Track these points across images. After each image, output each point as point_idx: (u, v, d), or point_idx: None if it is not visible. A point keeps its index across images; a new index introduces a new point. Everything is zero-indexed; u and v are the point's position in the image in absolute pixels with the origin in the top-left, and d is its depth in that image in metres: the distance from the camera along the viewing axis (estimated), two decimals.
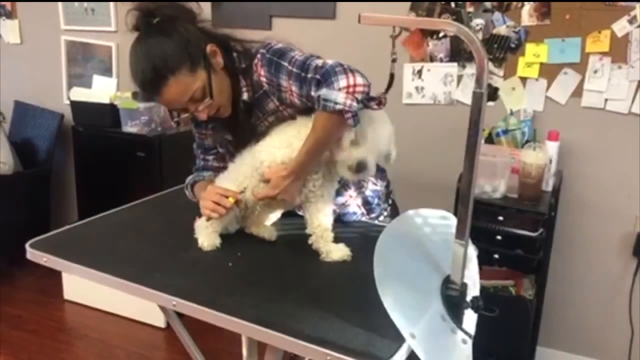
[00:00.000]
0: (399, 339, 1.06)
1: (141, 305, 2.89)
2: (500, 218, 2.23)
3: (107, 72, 3.41)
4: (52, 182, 3.64)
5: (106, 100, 2.95)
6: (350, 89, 1.28)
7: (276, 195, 1.43)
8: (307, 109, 1.46)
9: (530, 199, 2.23)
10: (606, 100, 2.37)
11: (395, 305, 1.11)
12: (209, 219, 1.46)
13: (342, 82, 1.28)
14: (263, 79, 1.46)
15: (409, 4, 2.62)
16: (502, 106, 2.55)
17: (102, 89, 3.04)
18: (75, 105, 3.05)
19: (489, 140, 2.44)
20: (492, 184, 2.28)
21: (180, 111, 1.49)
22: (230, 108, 1.52)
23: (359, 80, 1.29)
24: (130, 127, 2.90)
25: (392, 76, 1.36)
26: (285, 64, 1.41)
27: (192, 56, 1.40)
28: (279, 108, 1.51)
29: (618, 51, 2.31)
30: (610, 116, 2.38)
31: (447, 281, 1.24)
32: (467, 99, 2.62)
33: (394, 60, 1.40)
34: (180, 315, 1.54)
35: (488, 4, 2.48)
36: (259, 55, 1.46)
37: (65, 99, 3.61)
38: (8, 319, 3.01)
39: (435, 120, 2.68)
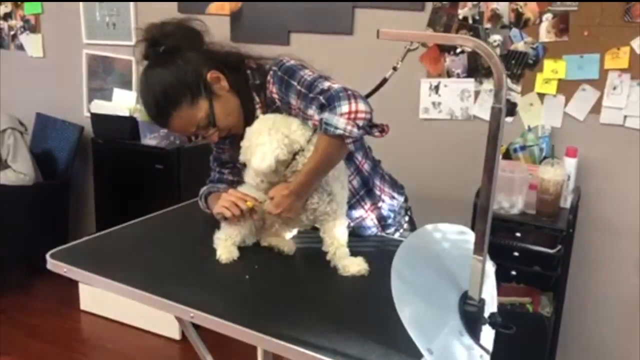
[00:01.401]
0: (417, 355, 1.06)
1: (156, 316, 2.91)
2: (518, 234, 2.22)
3: (126, 85, 3.46)
4: (71, 194, 3.68)
5: (126, 113, 2.99)
6: (352, 115, 1.29)
7: (279, 214, 1.44)
8: None
9: (548, 215, 2.21)
10: (625, 117, 2.36)
11: (412, 320, 1.11)
12: (224, 218, 1.48)
13: (345, 107, 1.29)
14: (275, 96, 1.49)
15: (426, 19, 2.63)
16: (519, 122, 2.54)
17: (122, 102, 3.09)
18: (96, 118, 3.10)
19: (507, 156, 2.43)
20: (510, 200, 2.27)
21: (192, 136, 1.54)
22: (243, 127, 1.53)
23: (362, 107, 1.30)
24: (149, 140, 2.93)
25: (384, 80, 1.42)
26: (295, 83, 1.42)
27: (192, 88, 1.44)
28: None
29: (637, 67, 2.30)
30: (630, 133, 2.36)
31: (465, 297, 1.24)
32: (485, 115, 2.61)
33: (394, 68, 1.42)
34: (196, 327, 1.55)
35: (506, 20, 2.49)
36: (271, 72, 1.49)
37: (86, 112, 3.66)
38: (25, 328, 3.04)
39: (452, 136, 2.68)
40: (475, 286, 1.20)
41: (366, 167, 1.63)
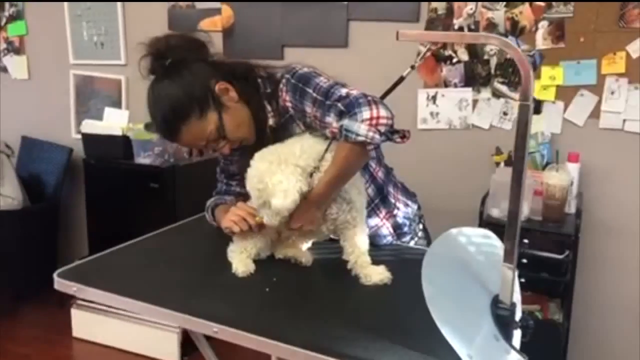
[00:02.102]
0: None
1: (152, 340, 2.83)
2: (525, 241, 2.20)
3: (116, 105, 3.41)
4: (61, 217, 3.59)
5: (118, 132, 2.93)
6: (374, 122, 1.26)
7: (298, 228, 1.40)
8: None
9: (554, 221, 2.21)
10: (624, 121, 2.38)
11: (448, 325, 1.08)
12: (232, 232, 1.44)
13: (366, 114, 1.26)
14: (288, 104, 1.45)
15: (422, 29, 2.63)
16: None
17: (114, 121, 3.03)
18: (87, 138, 3.03)
19: (508, 164, 2.42)
20: None
21: (203, 149, 1.51)
22: (254, 137, 1.50)
23: (383, 112, 1.27)
24: (143, 159, 2.87)
25: (401, 78, 1.38)
26: (310, 90, 1.40)
27: (200, 101, 1.40)
28: (306, 132, 1.49)
29: (634, 72, 2.33)
30: (629, 137, 2.38)
31: (496, 301, 1.22)
32: (484, 123, 2.62)
33: (412, 67, 1.40)
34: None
35: (501, 29, 2.51)
36: (283, 80, 1.46)
37: (74, 133, 3.60)
38: (14, 358, 2.92)
39: (452, 145, 2.68)
40: (507, 292, 1.19)
41: (380, 174, 1.60)
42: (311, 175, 1.35)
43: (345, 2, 2.76)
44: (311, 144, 1.36)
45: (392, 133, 1.30)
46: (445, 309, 1.12)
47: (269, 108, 1.48)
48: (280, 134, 1.50)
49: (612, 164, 2.42)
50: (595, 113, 2.41)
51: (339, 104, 1.31)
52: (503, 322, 1.18)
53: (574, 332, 2.46)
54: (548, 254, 2.19)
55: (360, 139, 1.26)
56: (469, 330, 1.13)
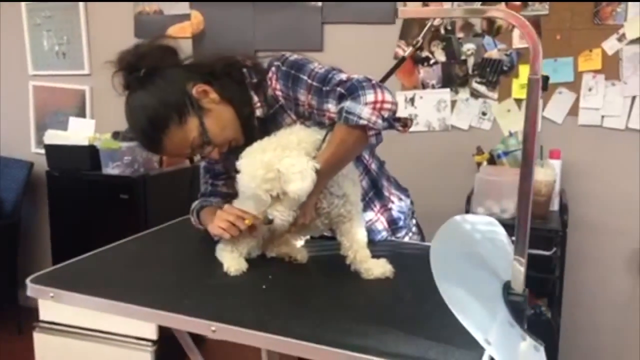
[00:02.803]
0: (476, 348, 0.96)
1: (124, 355, 2.67)
2: (512, 238, 2.16)
3: (79, 117, 3.26)
4: (21, 236, 3.39)
5: (85, 142, 2.79)
6: (378, 105, 1.19)
7: (299, 222, 1.30)
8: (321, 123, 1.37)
9: (540, 217, 2.18)
10: (603, 117, 2.39)
11: (464, 312, 1.02)
12: (220, 238, 1.35)
13: (370, 96, 1.20)
14: (279, 93, 1.38)
15: (398, 32, 2.62)
16: (498, 129, 2.54)
17: (80, 131, 2.88)
18: (51, 149, 2.88)
19: (491, 162, 2.40)
20: (500, 205, 2.23)
21: (192, 156, 1.42)
22: (242, 137, 1.41)
23: (388, 97, 1.21)
24: (111, 169, 2.74)
25: (402, 59, 1.39)
26: (305, 77, 1.33)
27: (177, 107, 1.32)
28: (297, 122, 1.42)
29: (610, 68, 2.35)
30: (608, 133, 2.39)
31: (507, 287, 1.18)
32: (463, 124, 2.60)
33: (414, 46, 1.35)
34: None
35: (478, 29, 2.50)
36: (273, 69, 1.38)
37: (34, 147, 3.43)
38: None
39: (432, 147, 2.65)
40: (519, 282, 1.15)
41: (373, 166, 1.54)
42: None
43: (320, 4, 2.72)
44: (308, 133, 1.28)
45: (394, 120, 1.24)
46: (458, 296, 1.07)
47: (255, 99, 1.40)
48: (269, 125, 1.42)
49: (593, 160, 2.43)
50: (574, 110, 2.42)
51: (339, 88, 1.24)
52: (516, 308, 1.15)
53: (564, 329, 2.43)
54: (535, 250, 2.15)
55: (363, 122, 1.19)
56: (484, 316, 1.08)
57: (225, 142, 1.39)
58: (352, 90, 1.22)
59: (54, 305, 2.71)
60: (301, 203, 1.24)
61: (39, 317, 2.66)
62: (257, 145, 1.26)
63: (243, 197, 1.32)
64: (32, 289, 1.27)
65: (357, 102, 1.20)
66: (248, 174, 1.22)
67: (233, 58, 1.47)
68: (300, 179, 1.18)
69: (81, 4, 3.19)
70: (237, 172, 1.25)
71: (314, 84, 1.31)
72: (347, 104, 1.20)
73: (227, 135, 1.38)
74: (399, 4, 2.60)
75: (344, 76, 1.28)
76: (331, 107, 1.27)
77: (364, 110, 1.19)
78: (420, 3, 2.56)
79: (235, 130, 1.40)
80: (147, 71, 1.33)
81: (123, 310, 1.15)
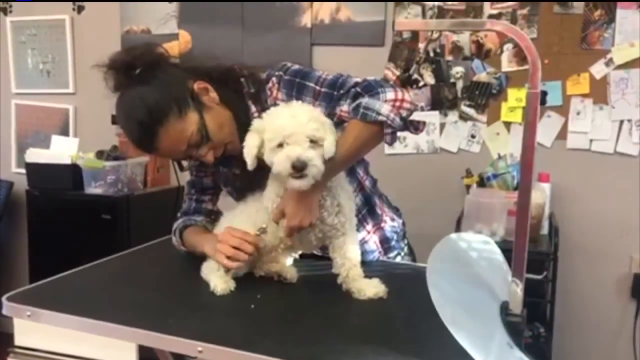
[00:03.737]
0: None
1: None
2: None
3: (64, 135, 3.20)
4: None
5: (67, 161, 2.73)
6: (397, 103, 1.19)
7: (300, 222, 1.25)
8: None
9: (531, 240, 2.14)
10: (591, 140, 2.39)
11: (462, 331, 0.99)
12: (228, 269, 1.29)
13: (390, 94, 1.19)
14: (280, 103, 1.35)
15: (387, 54, 2.61)
16: (487, 152, 2.53)
17: (62, 150, 2.82)
18: (32, 168, 2.80)
19: (481, 184, 2.38)
20: (490, 228, 2.20)
21: (185, 160, 1.38)
22: (239, 143, 1.37)
23: (407, 96, 1.21)
24: (94, 189, 2.67)
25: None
26: (311, 84, 1.31)
27: (178, 100, 1.28)
28: None
29: (598, 92, 2.36)
30: (597, 156, 2.39)
31: (505, 307, 1.15)
32: (452, 147, 2.59)
33: (417, 62, 1.33)
34: None
35: (467, 52, 2.51)
36: (274, 79, 1.36)
37: (14, 167, 3.35)
38: None
39: (420, 169, 2.63)
40: (517, 304, 1.13)
41: (367, 183, 1.51)
42: None
43: (309, 26, 2.71)
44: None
45: (410, 122, 1.22)
46: (456, 316, 1.04)
47: (253, 108, 1.37)
48: None
49: (581, 184, 2.43)
50: (563, 134, 2.43)
51: (355, 88, 1.23)
52: (514, 329, 1.11)
53: (555, 354, 2.39)
54: (526, 274, 2.12)
55: (382, 118, 1.16)
56: (482, 336, 1.05)
57: (222, 143, 1.35)
58: (370, 88, 1.21)
59: (29, 330, 2.63)
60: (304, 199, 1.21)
61: (14, 342, 2.56)
62: (278, 111, 1.22)
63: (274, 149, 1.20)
64: (7, 307, 1.21)
65: (377, 98, 1.18)
66: (302, 112, 1.18)
67: (231, 67, 1.44)
68: (334, 137, 1.18)
69: (67, 22, 3.16)
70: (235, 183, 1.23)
71: (323, 89, 1.30)
72: (365, 100, 1.19)
73: (225, 136, 1.34)
74: (388, 29, 2.60)
75: (358, 79, 1.27)
76: (344, 107, 1.25)
77: (383, 106, 1.17)
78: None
79: (232, 133, 1.36)
80: (145, 69, 1.30)
81: (104, 329, 1.09)
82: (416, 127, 1.24)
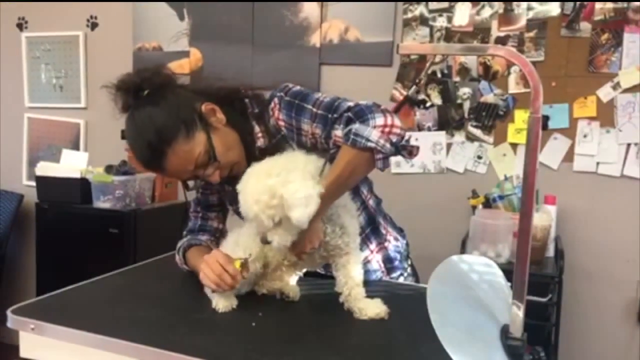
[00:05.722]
0: None
1: None
2: (509, 284, 2.13)
3: (75, 149, 3.24)
4: (6, 269, 3.32)
5: (77, 175, 2.76)
6: (387, 129, 1.19)
7: (305, 248, 1.27)
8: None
9: (536, 262, 2.15)
10: (598, 163, 2.39)
11: (462, 354, 0.99)
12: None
13: (379, 120, 1.19)
14: (281, 123, 1.37)
15: (394, 74, 2.64)
16: (493, 173, 2.53)
17: (72, 164, 2.85)
18: (42, 181, 2.84)
19: (487, 206, 2.39)
20: (495, 250, 2.20)
21: (192, 180, 1.39)
22: (245, 163, 1.38)
23: (397, 122, 1.21)
24: (102, 203, 2.70)
25: (406, 97, 1.31)
26: (309, 106, 1.32)
27: (186, 121, 1.30)
28: None
29: (605, 115, 2.37)
30: (603, 179, 2.39)
31: (505, 331, 1.14)
32: (458, 167, 2.59)
33: (416, 84, 1.34)
34: None
35: (474, 73, 2.53)
36: (275, 99, 1.38)
37: (25, 179, 3.39)
38: None
39: (427, 190, 2.63)
40: (517, 327, 1.11)
41: (371, 202, 1.52)
42: None
43: (318, 45, 2.74)
44: (311, 159, 1.25)
45: (401, 147, 1.23)
46: (456, 338, 1.04)
47: (257, 129, 1.39)
48: (270, 155, 1.40)
49: (588, 207, 2.42)
50: (569, 156, 2.43)
51: (347, 113, 1.24)
52: (514, 353, 1.11)
53: None
54: (531, 297, 2.10)
55: (371, 144, 1.17)
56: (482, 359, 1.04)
57: (228, 164, 1.36)
58: (360, 114, 1.21)
59: (35, 343, 2.64)
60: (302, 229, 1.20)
61: (19, 354, 2.57)
62: (261, 167, 1.22)
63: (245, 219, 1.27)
64: (12, 320, 1.23)
65: (366, 124, 1.19)
66: (252, 198, 1.18)
67: (236, 87, 1.46)
68: (304, 205, 1.14)
69: (81, 38, 3.22)
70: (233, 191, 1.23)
71: (319, 112, 1.30)
72: (355, 126, 1.19)
73: (232, 157, 1.36)
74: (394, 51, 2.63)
75: (351, 103, 1.28)
76: (338, 132, 1.26)
77: (372, 132, 1.18)
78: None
79: (239, 155, 1.38)
80: (152, 91, 1.32)
81: (106, 344, 1.11)
82: (410, 151, 1.24)
